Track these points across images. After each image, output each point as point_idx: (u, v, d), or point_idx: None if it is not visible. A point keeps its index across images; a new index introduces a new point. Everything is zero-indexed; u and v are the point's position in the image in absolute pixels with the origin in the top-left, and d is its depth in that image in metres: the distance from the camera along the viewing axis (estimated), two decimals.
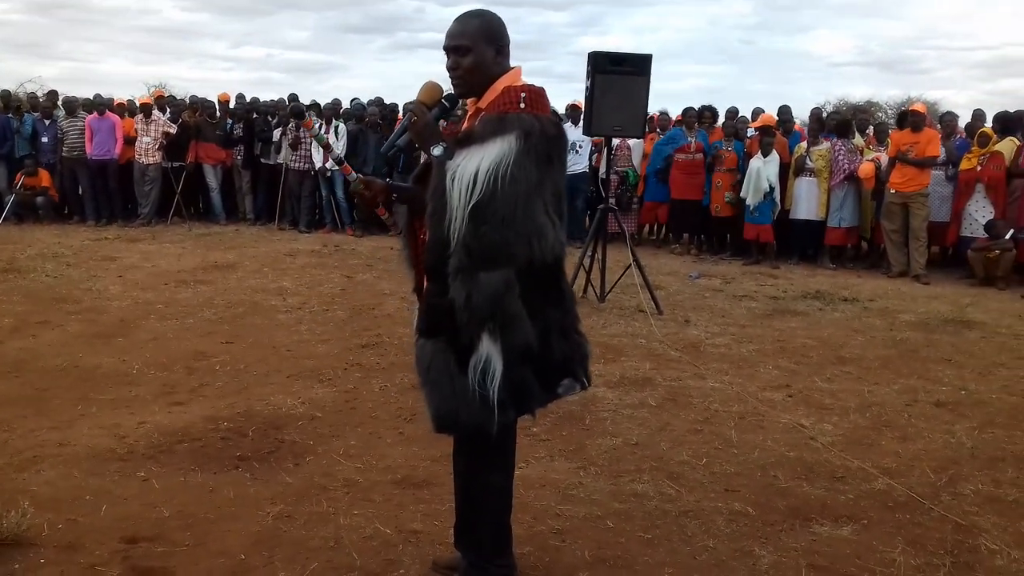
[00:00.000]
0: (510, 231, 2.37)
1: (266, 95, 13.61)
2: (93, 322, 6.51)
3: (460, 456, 2.79)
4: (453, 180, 2.39)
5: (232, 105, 13.08)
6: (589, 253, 7.63)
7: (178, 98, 14.79)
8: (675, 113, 12.05)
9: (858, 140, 10.34)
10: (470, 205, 2.35)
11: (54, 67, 58.77)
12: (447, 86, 2.74)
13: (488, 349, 2.42)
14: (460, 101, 2.83)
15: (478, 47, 2.57)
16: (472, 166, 2.37)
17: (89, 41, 62.34)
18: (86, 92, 13.42)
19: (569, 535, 3.27)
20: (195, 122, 12.48)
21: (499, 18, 2.64)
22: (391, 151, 2.91)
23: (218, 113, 12.87)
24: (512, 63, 2.65)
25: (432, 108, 2.69)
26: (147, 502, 3.46)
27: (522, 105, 2.46)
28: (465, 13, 2.64)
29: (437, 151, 2.52)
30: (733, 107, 11.70)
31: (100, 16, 59.96)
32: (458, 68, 2.60)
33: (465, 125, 2.68)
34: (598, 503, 3.55)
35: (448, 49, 2.61)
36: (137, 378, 5.14)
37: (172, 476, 3.72)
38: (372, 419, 4.50)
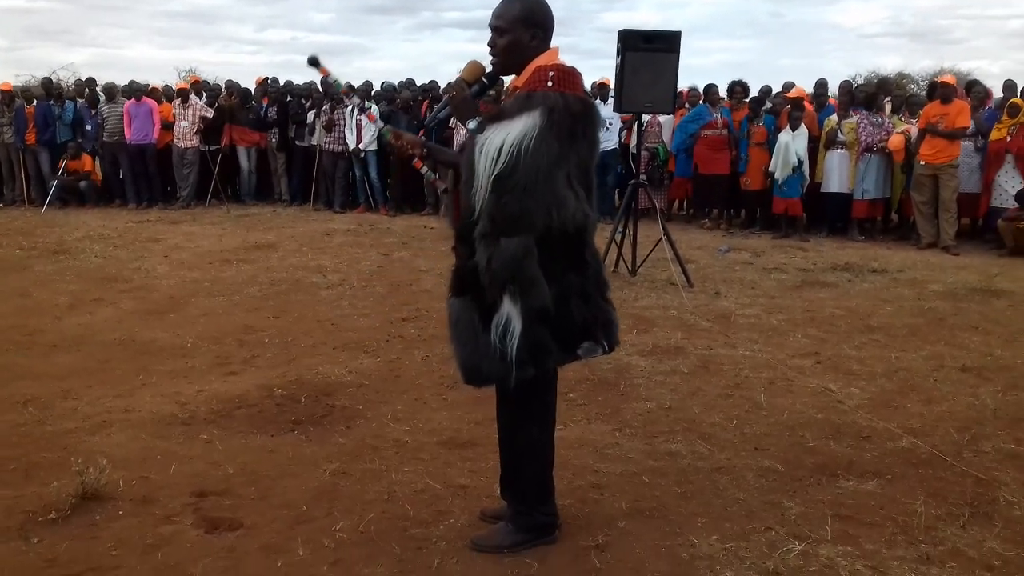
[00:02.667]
0: (530, 200, 2.55)
1: (291, 78, 13.86)
2: (144, 299, 6.80)
3: (503, 411, 3.00)
4: (480, 152, 2.60)
5: (265, 89, 13.35)
6: (620, 228, 7.80)
7: (211, 83, 15.08)
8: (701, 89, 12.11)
9: (895, 120, 10.34)
10: (493, 175, 2.56)
11: (82, 53, 59.71)
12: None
13: (509, 309, 2.62)
14: (499, 79, 3.03)
15: (515, 29, 2.76)
16: (498, 139, 2.57)
17: (115, 27, 63.19)
18: (114, 78, 13.90)
19: (607, 489, 3.47)
20: (229, 106, 12.77)
21: (541, 2, 2.80)
22: (433, 123, 3.21)
23: (253, 96, 13.13)
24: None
25: (472, 85, 2.94)
26: (212, 461, 3.71)
27: (550, 84, 2.63)
28: None
29: (472, 124, 2.74)
30: (767, 86, 11.74)
31: (125, 2, 60.71)
32: (495, 46, 2.81)
33: (504, 102, 2.88)
34: (634, 461, 3.75)
35: (491, 27, 2.81)
36: (192, 351, 5.41)
37: (233, 438, 3.97)
38: (416, 386, 4.72)
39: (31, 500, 3.28)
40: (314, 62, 3.19)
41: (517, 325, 2.62)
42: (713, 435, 4.05)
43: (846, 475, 3.61)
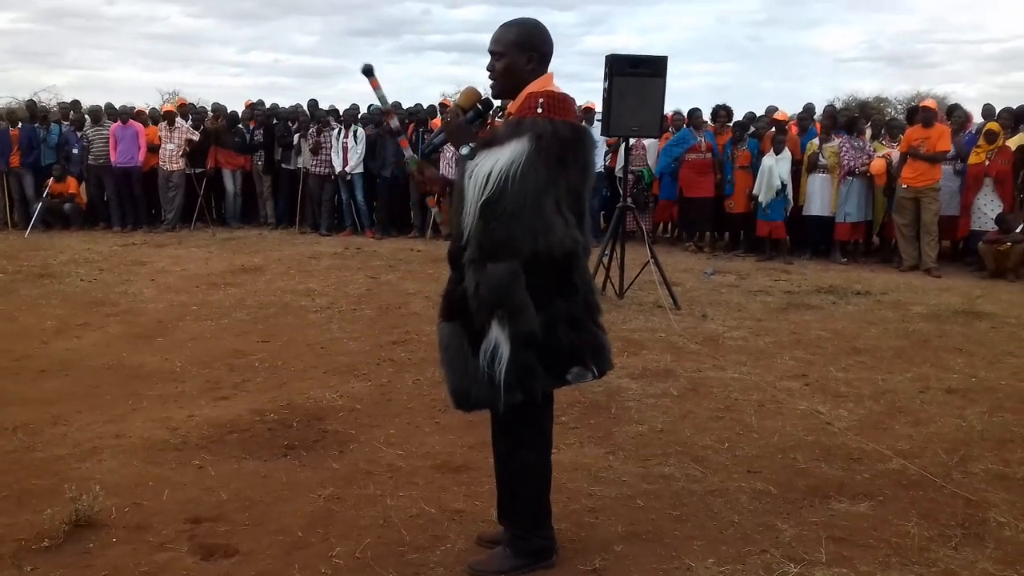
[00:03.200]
0: (516, 226, 2.58)
1: (273, 100, 13.96)
2: (132, 323, 6.77)
3: (498, 436, 3.01)
4: (469, 178, 2.64)
5: (249, 111, 13.37)
6: (607, 251, 7.85)
7: (196, 106, 15.10)
8: (686, 112, 12.23)
9: (878, 146, 10.48)
10: (481, 201, 2.60)
11: (64, 75, 59.56)
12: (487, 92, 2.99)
13: (497, 334, 2.65)
14: (495, 105, 3.07)
15: (510, 53, 2.81)
16: (487, 166, 2.60)
17: (98, 49, 63.10)
18: (97, 100, 13.79)
19: (602, 513, 3.48)
20: (215, 128, 12.77)
21: (539, 28, 2.85)
22: (429, 148, 3.25)
23: (240, 119, 13.14)
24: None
25: (468, 111, 2.97)
26: (205, 487, 3.69)
27: (539, 110, 2.67)
28: (508, 20, 2.88)
29: (464, 151, 2.77)
30: (751, 112, 11.87)
31: (108, 24, 60.71)
32: (492, 71, 2.86)
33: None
34: (628, 484, 3.77)
35: (489, 52, 2.86)
36: (181, 375, 5.39)
37: (226, 464, 3.95)
38: (408, 410, 4.72)
39: (23, 528, 3.25)
40: (369, 72, 3.04)
41: (505, 350, 2.65)
42: (706, 458, 4.08)
43: (838, 497, 3.64)
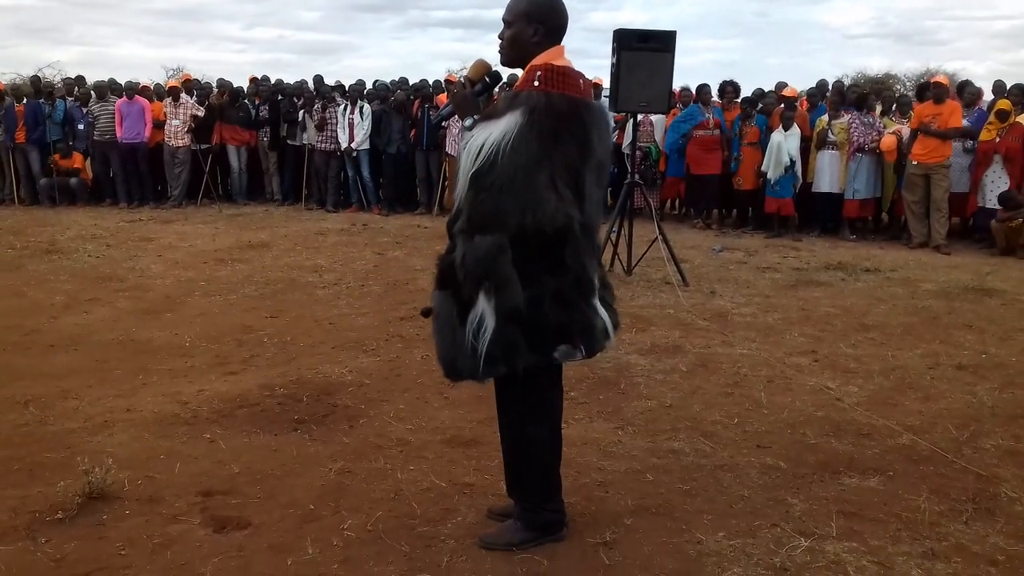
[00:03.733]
0: (505, 199, 2.57)
1: (278, 76, 13.84)
2: (140, 299, 6.77)
3: (503, 410, 2.99)
4: (464, 149, 2.64)
5: (254, 86, 13.31)
6: (615, 228, 7.82)
7: (201, 81, 15.03)
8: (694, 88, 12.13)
9: (888, 122, 10.40)
10: (471, 172, 2.59)
11: (68, 51, 59.30)
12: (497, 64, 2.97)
13: (483, 306, 2.64)
14: (501, 78, 3.04)
15: (518, 23, 2.77)
16: (481, 138, 2.60)
17: (102, 24, 62.85)
18: (101, 76, 13.71)
19: (612, 487, 3.49)
20: (220, 104, 12.72)
21: (551, 2, 2.79)
22: (436, 120, 3.25)
23: (246, 94, 13.08)
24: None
25: (476, 84, 2.95)
26: (216, 460, 3.70)
27: (536, 83, 2.64)
28: None
29: (467, 123, 2.76)
30: (759, 89, 11.75)
31: None
32: (502, 39, 2.83)
33: None
34: (637, 459, 3.77)
35: (502, 19, 2.83)
36: (190, 350, 5.39)
37: (236, 438, 3.97)
38: (417, 385, 4.73)
39: (37, 500, 3.27)
40: (427, 314, 2.88)
41: (490, 323, 2.64)
42: (715, 433, 4.08)
43: (848, 472, 3.64)
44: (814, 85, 11.66)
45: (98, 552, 2.94)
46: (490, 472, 3.56)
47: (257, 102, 12.90)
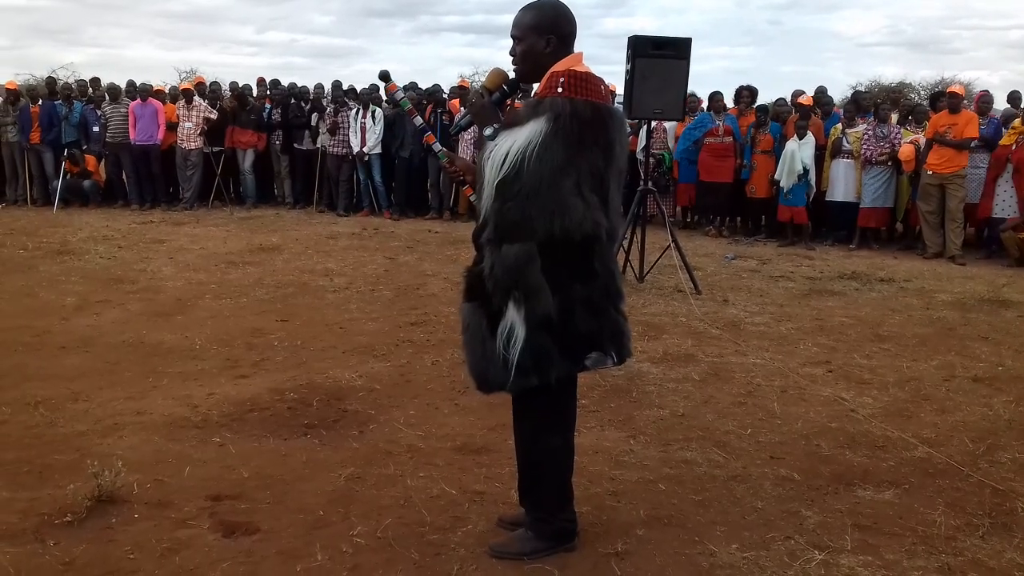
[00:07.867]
0: (532, 207, 2.54)
1: (290, 80, 13.83)
2: (151, 301, 6.77)
3: (519, 420, 2.95)
4: (488, 158, 2.60)
5: (263, 90, 13.31)
6: (627, 235, 7.79)
7: (213, 84, 15.03)
8: (704, 96, 12.07)
9: (905, 132, 10.32)
10: (497, 181, 2.56)
11: (82, 53, 59.69)
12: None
13: (513, 317, 2.61)
14: (519, 87, 3.02)
15: (528, 37, 2.76)
16: (505, 146, 2.56)
17: (116, 26, 63.26)
18: (114, 78, 13.81)
19: (624, 497, 3.45)
20: (231, 107, 12.73)
21: (557, 10, 2.78)
22: (455, 131, 3.31)
23: (255, 96, 13.09)
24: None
25: (493, 92, 2.93)
26: (226, 465, 3.69)
27: (559, 89, 2.62)
28: (527, 3, 2.82)
29: (488, 132, 2.73)
30: (781, 99, 11.66)
31: (126, 1, 60.78)
32: (514, 55, 2.82)
33: None
34: (649, 468, 3.74)
35: (511, 36, 2.81)
36: (201, 353, 5.38)
37: (246, 442, 3.95)
38: (428, 391, 4.70)
39: (46, 502, 3.26)
40: (385, 77, 3.25)
41: (521, 332, 2.61)
42: (728, 443, 4.04)
43: (863, 484, 3.60)
44: (814, 92, 11.56)
45: (106, 556, 2.92)
46: (501, 480, 3.53)
47: (268, 106, 12.91)
